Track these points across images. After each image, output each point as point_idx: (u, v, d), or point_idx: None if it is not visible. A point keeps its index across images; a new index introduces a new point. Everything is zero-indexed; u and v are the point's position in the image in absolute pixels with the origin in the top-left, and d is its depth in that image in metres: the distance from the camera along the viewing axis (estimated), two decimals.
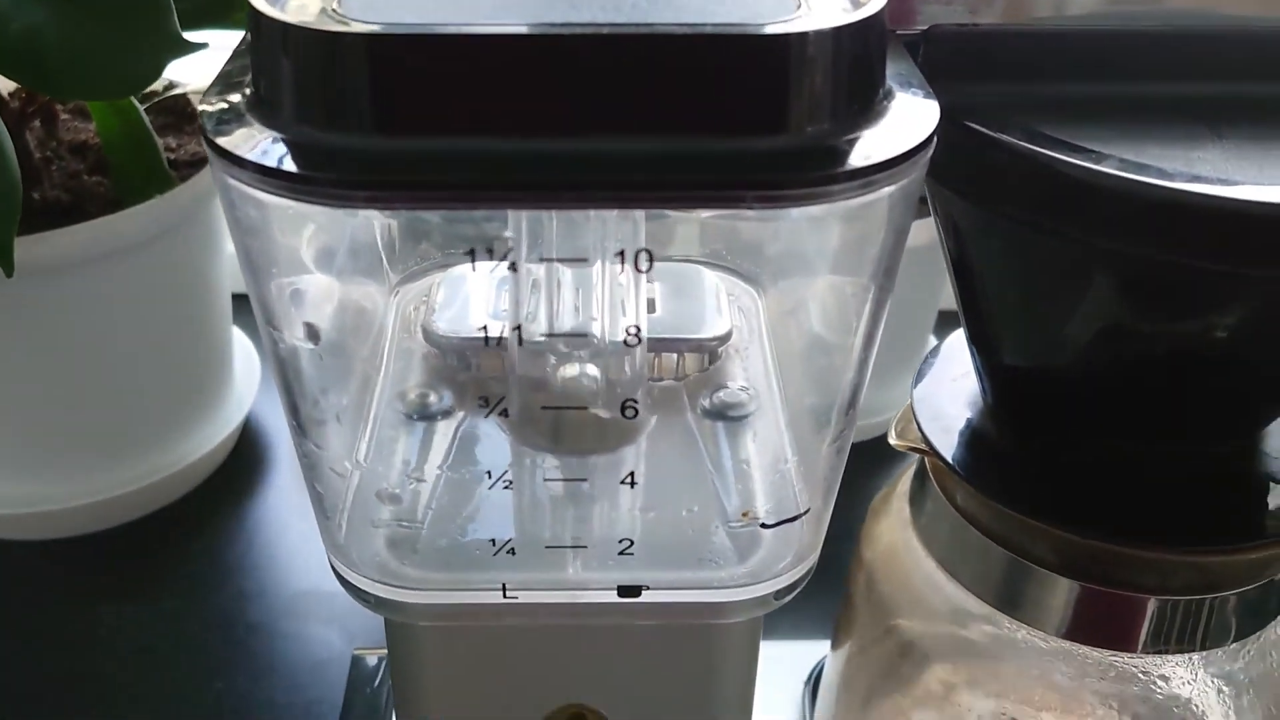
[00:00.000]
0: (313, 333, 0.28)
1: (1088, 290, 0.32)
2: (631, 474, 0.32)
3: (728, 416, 0.36)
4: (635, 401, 0.33)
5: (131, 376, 0.63)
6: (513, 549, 0.31)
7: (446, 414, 0.36)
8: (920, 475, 0.40)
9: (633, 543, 0.31)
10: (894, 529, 0.42)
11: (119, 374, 0.62)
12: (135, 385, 0.63)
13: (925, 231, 0.67)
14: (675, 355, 0.38)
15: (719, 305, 0.38)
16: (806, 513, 0.31)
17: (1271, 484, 0.36)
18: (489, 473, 0.32)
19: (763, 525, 0.32)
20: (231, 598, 0.65)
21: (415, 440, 0.34)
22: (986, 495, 0.36)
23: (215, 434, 0.68)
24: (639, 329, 0.33)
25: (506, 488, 0.32)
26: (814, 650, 0.53)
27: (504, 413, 0.34)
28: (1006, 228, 0.32)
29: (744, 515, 0.32)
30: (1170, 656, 0.37)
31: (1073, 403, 0.36)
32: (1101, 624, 0.36)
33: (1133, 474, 0.36)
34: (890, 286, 0.28)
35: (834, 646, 0.46)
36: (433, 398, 0.36)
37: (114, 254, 0.59)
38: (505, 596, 0.30)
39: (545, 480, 0.32)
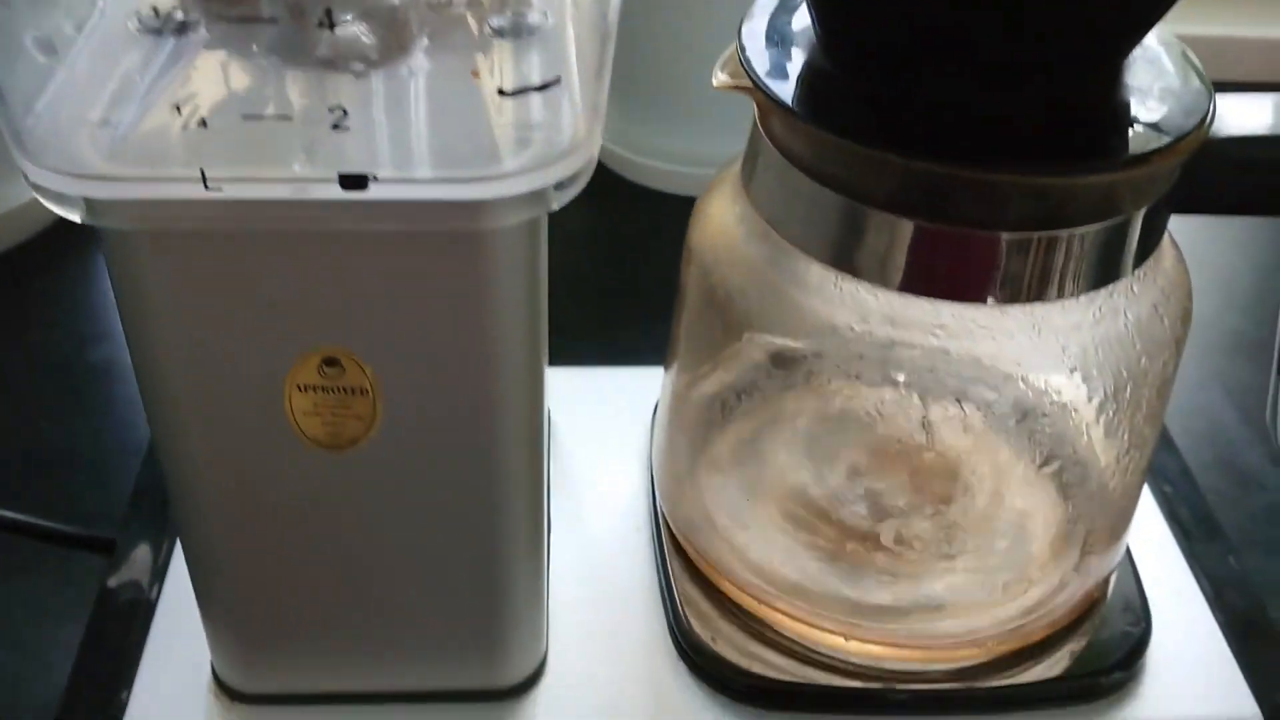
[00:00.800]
0: None
1: None
2: (329, 13, 0.27)
3: (511, 34, 0.31)
4: None
5: None
6: (204, 120, 0.26)
7: (193, 27, 0.30)
8: (752, 136, 0.36)
9: (346, 112, 0.26)
10: (724, 206, 0.38)
11: None
12: None
13: None
14: None
15: None
16: (557, 81, 0.27)
17: (1129, 115, 0.32)
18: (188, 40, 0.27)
19: (501, 92, 0.27)
20: (71, 340, 0.61)
21: (141, 46, 0.29)
22: (814, 125, 0.32)
23: None
24: None
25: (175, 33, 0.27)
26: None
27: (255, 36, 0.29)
28: None
29: (473, 74, 0.27)
30: (1011, 310, 0.33)
31: (908, 27, 0.31)
32: (941, 269, 0.32)
33: (976, 103, 0.31)
34: None
35: (668, 364, 0.42)
36: (178, 13, 0.31)
37: None
38: (208, 188, 0.26)
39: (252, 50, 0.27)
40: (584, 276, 0.69)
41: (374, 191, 0.26)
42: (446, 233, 0.28)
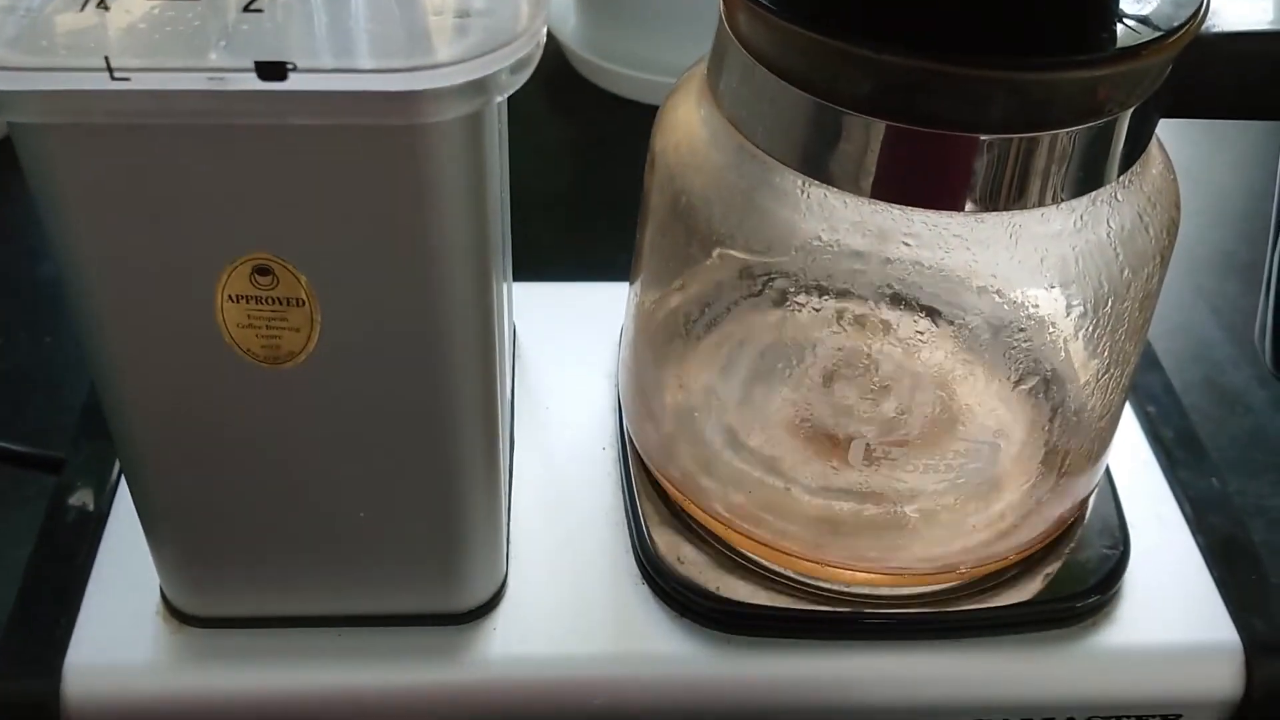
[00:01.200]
0: None
1: None
2: None
3: None
4: None
5: None
6: (103, 1, 0.24)
7: None
8: (718, 32, 0.34)
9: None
10: (690, 109, 0.36)
11: None
12: None
13: None
14: None
15: None
16: None
17: (1116, 7, 0.30)
18: None
19: None
20: (20, 254, 0.59)
21: None
22: (781, 17, 0.30)
23: None
24: None
25: None
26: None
27: None
28: None
29: None
30: (987, 218, 0.31)
31: None
32: (915, 173, 0.30)
33: None
34: None
35: (632, 278, 0.40)
36: None
37: None
38: (114, 78, 0.24)
39: None
40: (554, 189, 0.67)
41: (294, 82, 0.24)
42: (379, 128, 0.26)
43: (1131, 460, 0.43)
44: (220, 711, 0.36)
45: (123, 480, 0.41)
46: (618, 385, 0.44)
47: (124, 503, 0.41)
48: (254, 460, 0.33)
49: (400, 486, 0.34)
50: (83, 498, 0.41)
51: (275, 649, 0.37)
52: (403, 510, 0.34)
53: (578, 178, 0.69)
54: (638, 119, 0.68)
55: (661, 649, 0.37)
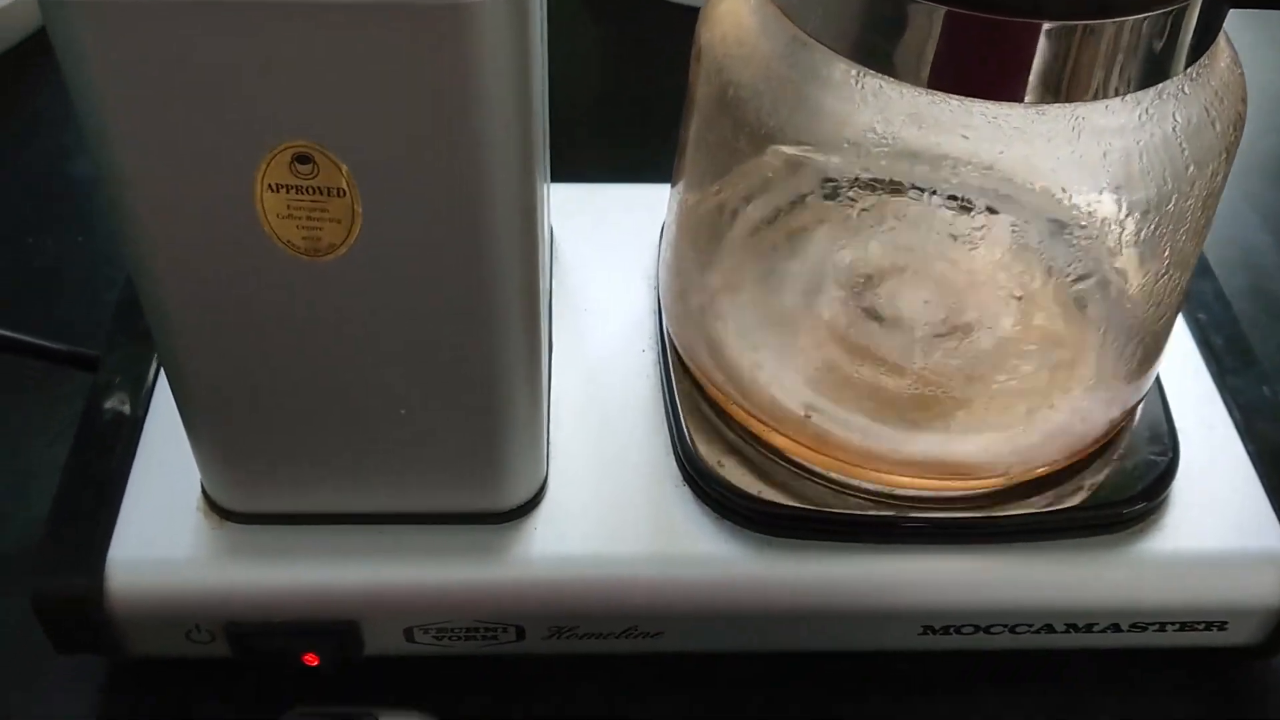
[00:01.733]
0: None
1: None
2: None
3: None
4: None
5: None
6: None
7: None
8: None
9: None
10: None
11: None
12: None
13: None
14: None
15: None
16: None
17: None
18: None
19: None
20: (52, 151, 0.58)
21: None
22: None
23: None
24: None
25: None
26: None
27: None
28: None
29: None
30: (1048, 110, 0.30)
31: None
32: (976, 62, 0.29)
33: None
34: None
35: (675, 177, 0.39)
36: None
37: None
38: None
39: None
40: (591, 90, 0.65)
41: None
42: (422, 6, 0.25)
43: (1182, 367, 0.42)
44: (262, 606, 0.36)
45: (161, 376, 0.41)
46: (657, 286, 0.43)
47: (163, 398, 0.40)
48: (294, 355, 0.32)
49: (441, 384, 0.33)
50: (121, 394, 0.41)
51: (316, 545, 0.37)
52: (444, 408, 0.34)
53: (615, 79, 0.67)
54: (677, 19, 0.66)
55: (701, 550, 0.37)
